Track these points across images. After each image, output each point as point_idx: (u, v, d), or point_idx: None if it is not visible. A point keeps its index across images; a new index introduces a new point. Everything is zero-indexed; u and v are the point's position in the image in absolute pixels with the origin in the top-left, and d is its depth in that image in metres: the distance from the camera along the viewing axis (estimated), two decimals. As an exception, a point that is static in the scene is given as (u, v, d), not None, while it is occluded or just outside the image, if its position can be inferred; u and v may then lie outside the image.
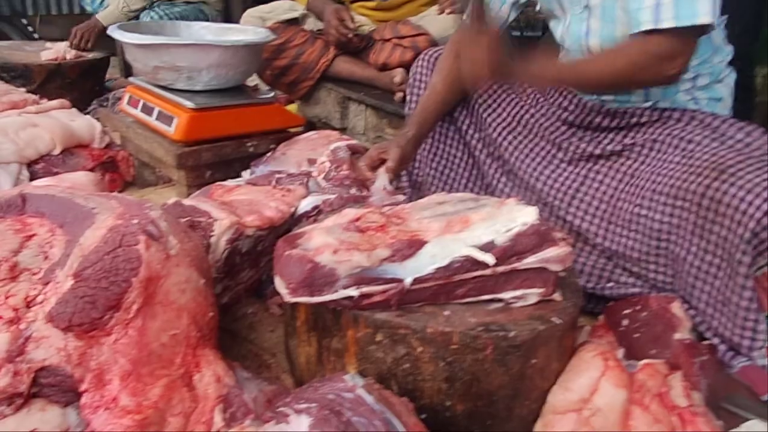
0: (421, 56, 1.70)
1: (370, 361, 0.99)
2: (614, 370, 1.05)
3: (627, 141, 1.39)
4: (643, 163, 1.36)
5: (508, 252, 0.98)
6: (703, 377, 1.14)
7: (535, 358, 0.98)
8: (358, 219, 1.04)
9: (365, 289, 0.94)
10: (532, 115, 1.55)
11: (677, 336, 1.21)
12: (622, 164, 1.40)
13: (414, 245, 0.96)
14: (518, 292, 1.01)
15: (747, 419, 1.05)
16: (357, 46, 2.46)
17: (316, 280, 0.92)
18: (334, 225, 1.03)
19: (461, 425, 1.00)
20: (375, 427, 0.79)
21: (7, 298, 0.84)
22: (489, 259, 0.96)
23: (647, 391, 1.05)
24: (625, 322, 1.28)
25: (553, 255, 1.00)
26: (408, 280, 0.95)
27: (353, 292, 0.93)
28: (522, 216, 1.01)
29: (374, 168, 1.52)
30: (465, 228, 1.00)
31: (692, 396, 1.06)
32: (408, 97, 1.71)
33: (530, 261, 0.99)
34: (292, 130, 2.05)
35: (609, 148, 1.41)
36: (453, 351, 0.94)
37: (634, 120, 1.38)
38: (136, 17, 2.94)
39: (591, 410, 1.00)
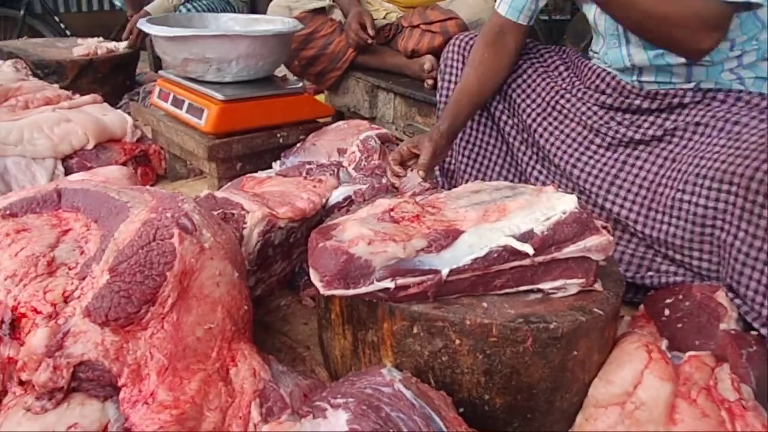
0: (452, 42, 1.67)
1: (407, 354, 0.97)
2: (658, 362, 1.01)
3: (668, 125, 1.34)
4: (685, 147, 1.31)
5: (548, 241, 0.95)
6: (751, 369, 1.10)
7: (576, 350, 0.95)
8: (392, 209, 1.02)
9: (401, 281, 0.92)
10: (568, 100, 1.50)
11: (723, 326, 1.17)
12: (663, 149, 1.35)
13: (450, 235, 0.94)
14: (558, 283, 0.98)
15: (798, 413, 1.01)
16: (386, 37, 2.44)
17: (351, 272, 0.91)
18: (368, 215, 1.01)
19: (500, 419, 0.98)
20: (414, 423, 0.77)
21: (45, 293, 0.84)
22: (528, 248, 0.93)
23: (694, 384, 1.01)
24: (667, 312, 1.24)
25: (594, 244, 0.96)
26: (445, 271, 0.93)
27: (389, 284, 0.91)
28: (561, 204, 0.98)
29: (405, 163, 1.48)
30: (502, 217, 0.98)
31: (741, 389, 1.02)
32: (439, 84, 1.68)
33: (570, 250, 0.96)
34: (322, 120, 2.04)
35: (650, 133, 1.36)
36: (492, 343, 0.92)
37: (676, 101, 1.33)
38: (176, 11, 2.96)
39: (635, 404, 0.98)
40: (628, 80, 1.40)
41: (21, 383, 0.82)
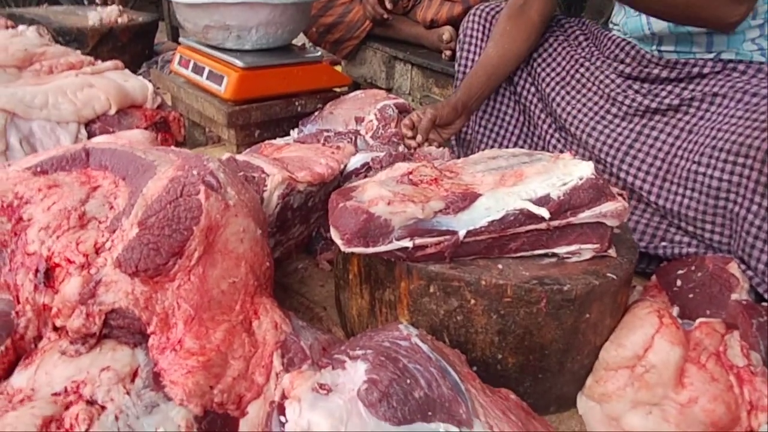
0: (472, 12, 1.67)
1: (423, 313, 1.00)
2: (669, 327, 1.03)
3: (686, 95, 1.34)
4: (702, 118, 1.31)
5: (564, 206, 0.97)
6: (761, 338, 1.11)
7: (588, 313, 0.98)
8: (411, 172, 1.04)
9: (419, 241, 0.94)
10: (587, 69, 1.51)
11: (734, 297, 1.18)
12: (680, 119, 1.35)
13: (468, 198, 0.96)
14: (573, 247, 1.00)
15: (807, 381, 1.03)
16: (405, 7, 2.44)
17: (370, 231, 0.93)
18: (388, 178, 1.03)
19: (512, 378, 1.01)
20: (431, 374, 0.80)
21: (77, 244, 0.88)
22: (544, 212, 0.95)
23: (704, 349, 1.03)
24: (679, 282, 1.25)
25: (609, 209, 0.98)
26: (462, 233, 0.95)
27: (407, 243, 0.94)
28: (578, 170, 1.00)
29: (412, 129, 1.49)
30: (519, 181, 0.99)
31: (750, 356, 1.04)
32: (458, 55, 1.68)
33: (586, 215, 0.98)
34: (339, 89, 2.05)
35: (666, 102, 1.36)
36: (506, 304, 0.95)
37: (695, 71, 1.33)
38: None
39: (645, 367, 1.00)
40: (648, 49, 1.40)
41: (55, 329, 0.86)
